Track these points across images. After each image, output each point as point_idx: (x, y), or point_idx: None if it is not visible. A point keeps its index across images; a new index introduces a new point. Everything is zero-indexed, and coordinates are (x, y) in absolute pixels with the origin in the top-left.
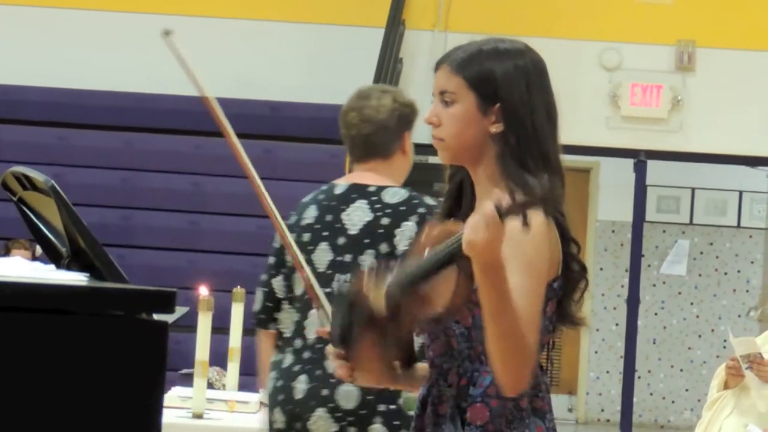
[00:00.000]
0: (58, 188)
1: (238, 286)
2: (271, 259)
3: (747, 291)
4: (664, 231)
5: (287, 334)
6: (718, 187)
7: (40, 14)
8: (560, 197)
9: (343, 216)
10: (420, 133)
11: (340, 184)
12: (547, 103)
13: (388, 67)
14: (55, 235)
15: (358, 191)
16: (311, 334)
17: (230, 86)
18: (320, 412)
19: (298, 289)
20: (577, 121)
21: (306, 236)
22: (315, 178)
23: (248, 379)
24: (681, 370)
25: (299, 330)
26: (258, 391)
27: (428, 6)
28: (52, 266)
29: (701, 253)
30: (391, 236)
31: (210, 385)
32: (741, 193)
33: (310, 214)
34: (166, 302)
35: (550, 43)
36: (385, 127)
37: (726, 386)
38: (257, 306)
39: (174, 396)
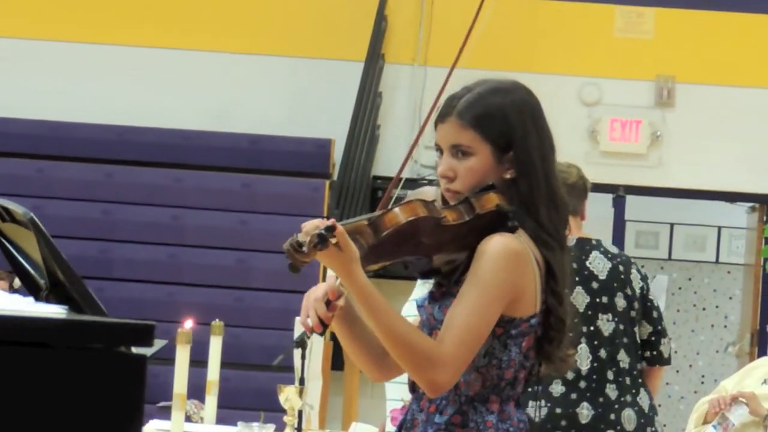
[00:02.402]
0: (37, 221)
1: (217, 319)
2: None
3: (725, 327)
4: (642, 266)
5: None
6: (697, 222)
7: (19, 46)
8: (562, 237)
9: (588, 264)
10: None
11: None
12: (550, 139)
13: (368, 101)
14: (34, 267)
15: (587, 243)
16: (583, 366)
17: (209, 119)
18: None
19: None
20: (556, 156)
21: None
22: (294, 211)
23: (226, 412)
24: (659, 405)
25: None
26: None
27: (408, 40)
28: (31, 299)
29: (680, 288)
30: (629, 281)
31: (188, 418)
32: (720, 228)
33: None
34: (145, 335)
35: (530, 77)
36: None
37: (705, 420)
38: None
39: (152, 429)
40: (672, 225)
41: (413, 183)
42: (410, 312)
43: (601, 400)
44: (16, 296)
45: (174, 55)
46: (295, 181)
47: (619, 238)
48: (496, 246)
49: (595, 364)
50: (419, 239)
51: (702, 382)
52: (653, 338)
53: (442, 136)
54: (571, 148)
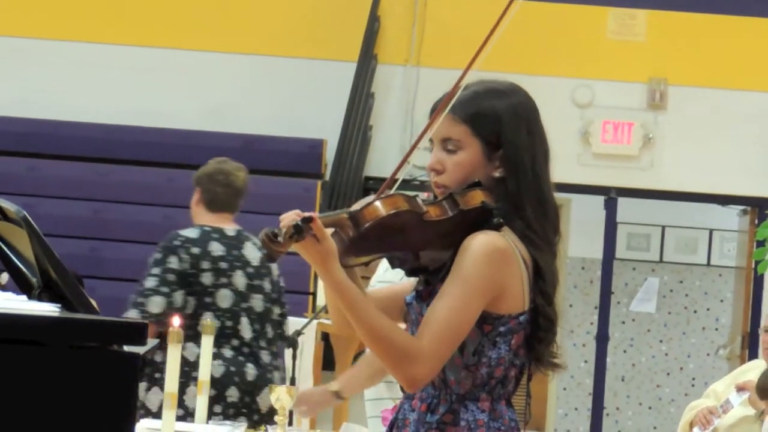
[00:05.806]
0: (30, 219)
1: (208, 319)
2: None
3: (716, 329)
4: (633, 268)
5: None
6: (688, 225)
7: (10, 44)
8: (552, 242)
9: (243, 252)
10: (389, 167)
11: (228, 228)
12: (543, 144)
13: (360, 101)
14: (27, 265)
15: (243, 234)
16: (247, 335)
17: (203, 119)
18: None
19: None
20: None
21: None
22: (286, 211)
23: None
24: (649, 408)
25: None
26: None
27: (400, 41)
28: (24, 297)
29: (671, 290)
30: (271, 270)
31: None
32: (711, 231)
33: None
34: (138, 334)
35: (523, 79)
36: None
37: (691, 426)
38: None
39: (143, 428)
40: (663, 227)
41: (405, 183)
42: None
43: (260, 362)
44: (10, 294)
45: (167, 55)
46: (287, 181)
47: (610, 240)
48: (479, 243)
49: (254, 334)
50: (402, 234)
51: (693, 385)
52: (282, 318)
53: (435, 129)
54: (563, 150)
